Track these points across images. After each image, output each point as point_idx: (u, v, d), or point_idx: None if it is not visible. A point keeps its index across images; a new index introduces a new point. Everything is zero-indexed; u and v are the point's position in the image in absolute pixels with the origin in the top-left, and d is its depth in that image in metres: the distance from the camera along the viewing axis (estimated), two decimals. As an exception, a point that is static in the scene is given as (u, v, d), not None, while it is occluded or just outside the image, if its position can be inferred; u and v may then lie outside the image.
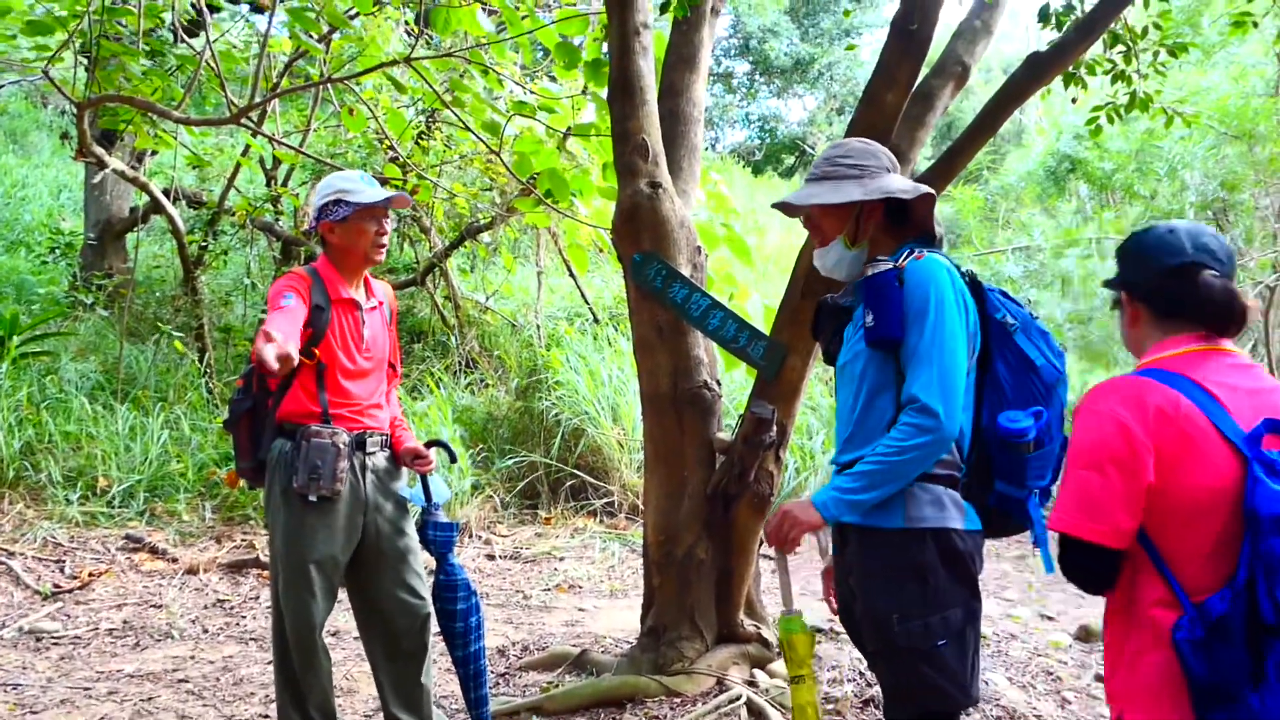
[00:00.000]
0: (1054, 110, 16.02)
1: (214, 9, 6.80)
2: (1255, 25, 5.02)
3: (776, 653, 4.14)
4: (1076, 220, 13.58)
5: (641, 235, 3.95)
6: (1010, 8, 4.46)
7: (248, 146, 8.52)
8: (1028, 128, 19.49)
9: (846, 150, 2.47)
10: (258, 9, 8.99)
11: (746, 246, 5.43)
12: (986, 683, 4.20)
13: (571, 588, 6.03)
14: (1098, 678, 4.49)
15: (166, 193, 8.52)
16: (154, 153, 9.43)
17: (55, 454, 6.72)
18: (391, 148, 7.38)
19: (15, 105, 17.28)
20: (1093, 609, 5.90)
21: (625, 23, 4.02)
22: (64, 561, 5.78)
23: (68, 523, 6.23)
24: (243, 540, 6.39)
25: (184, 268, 9.05)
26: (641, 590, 4.31)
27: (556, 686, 4.08)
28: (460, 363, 9.28)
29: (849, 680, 4.15)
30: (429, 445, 3.38)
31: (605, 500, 7.38)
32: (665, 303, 3.92)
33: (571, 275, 9.96)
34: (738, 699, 3.73)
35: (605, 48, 4.40)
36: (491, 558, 6.55)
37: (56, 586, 5.44)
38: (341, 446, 3.06)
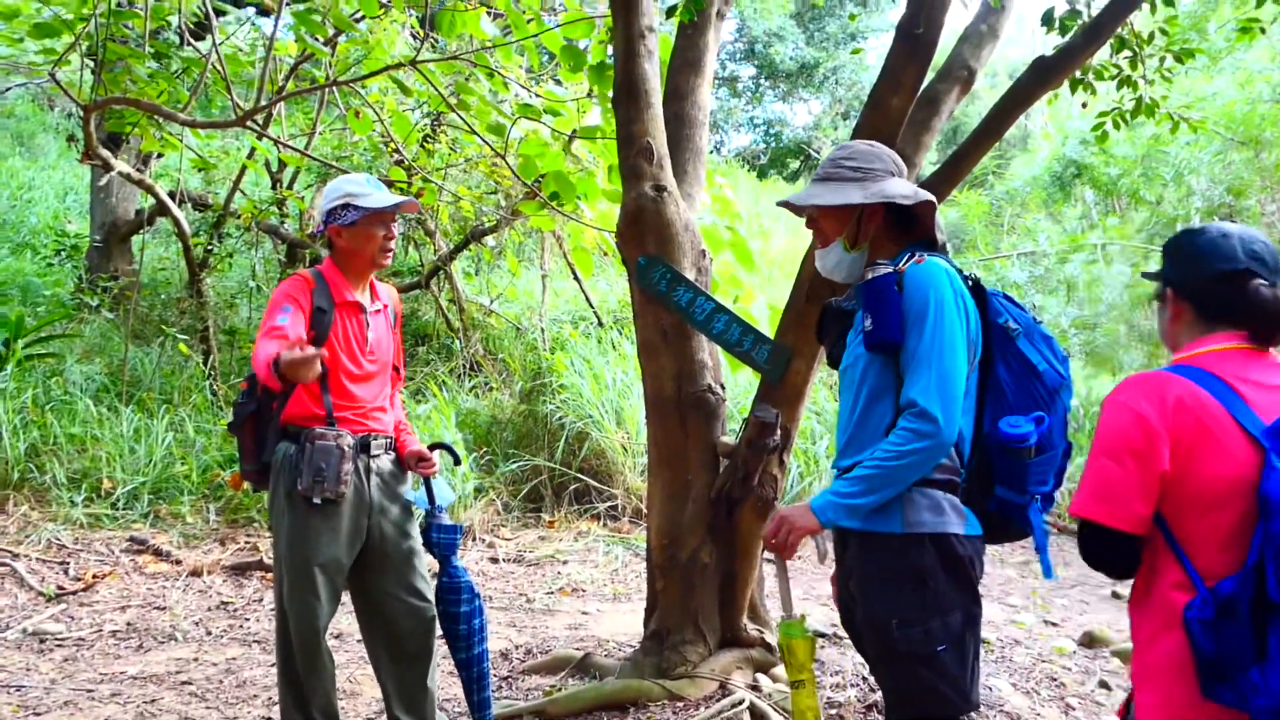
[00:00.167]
0: (1060, 115, 16.01)
1: (220, 12, 6.82)
2: (1263, 31, 5.01)
3: (780, 657, 4.12)
4: (1082, 226, 13.57)
5: (646, 239, 3.95)
6: (1016, 12, 4.45)
7: (253, 149, 8.54)
8: (1033, 133, 19.49)
9: (851, 152, 2.48)
10: (263, 12, 9.02)
11: (750, 251, 5.43)
12: (990, 689, 4.19)
13: (575, 591, 6.02)
14: (1102, 684, 4.48)
15: (172, 195, 8.54)
16: (160, 155, 9.45)
17: (60, 456, 6.73)
18: (397, 151, 7.39)
19: (22, 108, 17.36)
20: (1096, 615, 5.88)
21: (631, 26, 4.02)
22: (68, 563, 5.78)
23: (72, 524, 6.23)
24: (246, 543, 6.40)
25: (189, 270, 9.07)
26: (645, 594, 4.31)
27: (559, 690, 4.07)
28: (464, 366, 9.29)
29: (852, 685, 4.14)
30: (432, 448, 3.38)
31: (609, 504, 7.37)
32: (670, 306, 3.91)
33: (576, 279, 9.96)
34: (741, 703, 3.73)
35: (610, 51, 4.41)
36: (495, 561, 6.55)
37: (60, 588, 5.44)
38: (346, 449, 3.06)
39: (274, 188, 9.73)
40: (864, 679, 4.18)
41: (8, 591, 5.37)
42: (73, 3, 5.39)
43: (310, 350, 2.69)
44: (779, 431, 3.73)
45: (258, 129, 6.19)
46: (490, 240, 9.74)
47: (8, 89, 10.26)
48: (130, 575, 5.75)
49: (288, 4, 5.36)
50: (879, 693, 3.86)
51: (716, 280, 4.75)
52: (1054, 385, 2.28)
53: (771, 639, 4.16)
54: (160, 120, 6.39)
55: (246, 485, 3.35)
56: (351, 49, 6.82)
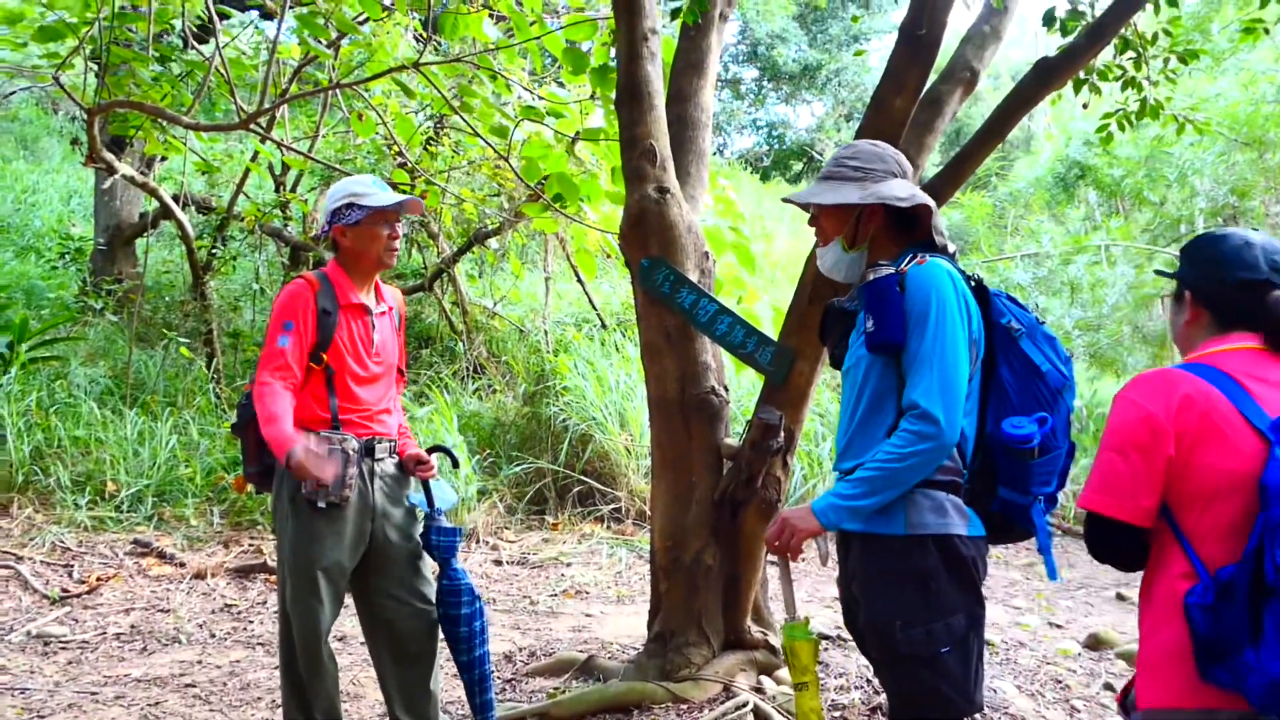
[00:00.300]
0: (1063, 117, 16.00)
1: (223, 15, 6.83)
2: (1266, 32, 5.00)
3: (784, 659, 4.12)
4: (1085, 227, 13.56)
5: (649, 240, 3.95)
6: (1019, 13, 4.45)
7: (257, 152, 8.55)
8: (1036, 134, 19.48)
9: (855, 152, 2.48)
10: (267, 15, 9.03)
11: (751, 254, 5.43)
12: (995, 691, 4.18)
13: (578, 593, 6.02)
14: (1107, 686, 4.46)
15: (176, 198, 8.55)
16: (163, 158, 9.46)
17: (64, 459, 6.74)
18: (400, 153, 7.40)
19: (26, 111, 17.39)
20: (1101, 617, 5.87)
21: (633, 29, 4.03)
22: (72, 566, 5.79)
23: (76, 527, 6.24)
24: (250, 545, 6.40)
25: (193, 273, 9.08)
26: (648, 596, 4.30)
27: (563, 692, 4.07)
28: (468, 368, 9.29)
29: (856, 688, 4.13)
30: (431, 451, 3.38)
31: (612, 506, 7.37)
32: (673, 308, 3.91)
33: (579, 281, 9.97)
34: (745, 706, 3.72)
35: (613, 53, 4.41)
36: (499, 563, 6.55)
37: (65, 591, 5.45)
38: (350, 453, 3.06)
39: (277, 191, 9.74)
40: (868, 681, 4.18)
41: (12, 594, 5.37)
42: (76, 6, 5.39)
43: (319, 458, 2.91)
44: (782, 433, 3.73)
45: (261, 132, 6.20)
46: (493, 243, 9.75)
47: (12, 93, 10.31)
48: (134, 578, 5.75)
49: (291, 7, 5.36)
50: (883, 695, 3.86)
51: (720, 280, 4.74)
52: (1057, 386, 2.27)
53: (775, 641, 4.16)
54: (164, 123, 6.40)
55: (250, 487, 3.36)
56: (355, 52, 6.83)
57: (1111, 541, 1.95)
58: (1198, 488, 1.84)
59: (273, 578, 5.84)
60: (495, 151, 6.27)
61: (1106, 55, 4.71)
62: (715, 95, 4.79)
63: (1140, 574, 2.00)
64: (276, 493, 3.13)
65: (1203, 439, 1.82)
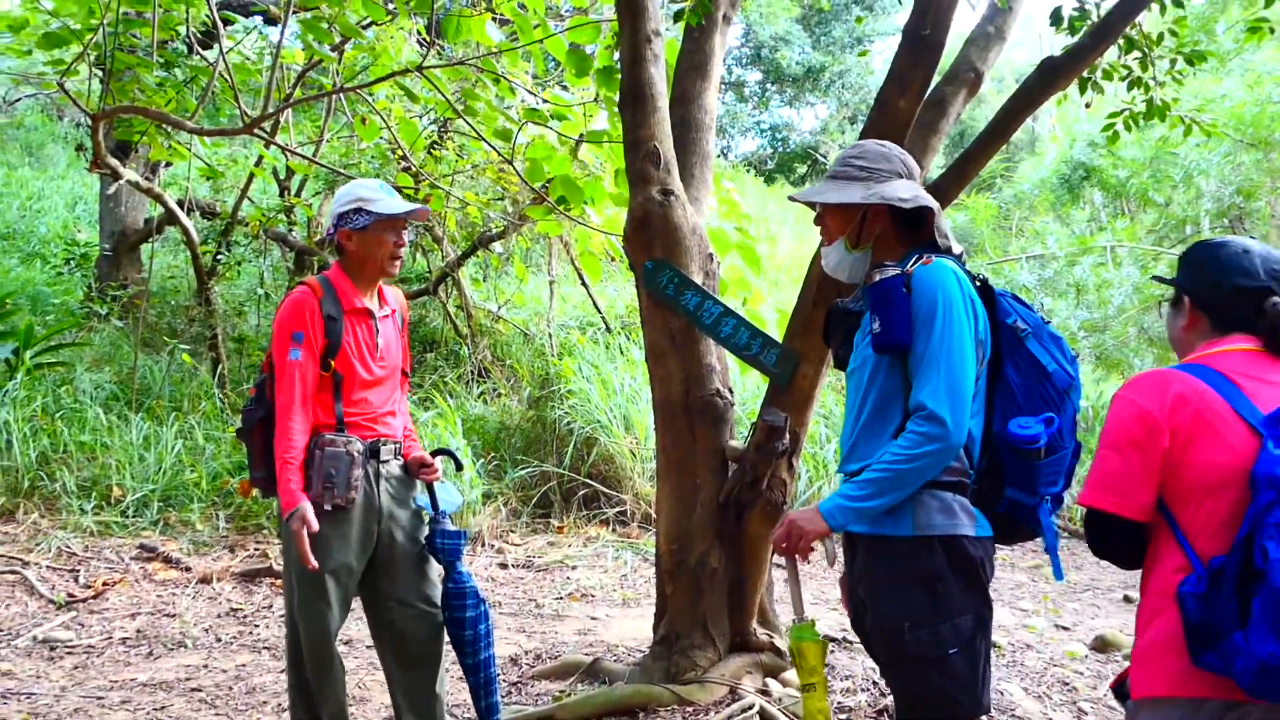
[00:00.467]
0: (1068, 118, 15.98)
1: (227, 21, 6.84)
2: (1272, 31, 4.98)
3: (789, 661, 4.11)
4: (1091, 228, 13.53)
5: (653, 243, 3.94)
6: (1023, 14, 4.44)
7: (261, 157, 8.56)
8: (1041, 136, 19.46)
9: (861, 152, 2.47)
10: (271, 21, 9.05)
11: (757, 254, 5.42)
12: (1001, 693, 4.17)
13: (584, 596, 6.01)
14: (1114, 688, 4.45)
15: (181, 204, 8.56)
16: (168, 164, 9.48)
17: (70, 464, 6.75)
18: (404, 157, 7.40)
19: (31, 118, 17.44)
20: (1108, 619, 5.85)
21: (637, 31, 4.03)
22: (78, 571, 5.79)
23: (82, 532, 6.25)
24: (256, 549, 6.40)
25: (198, 278, 9.09)
26: (654, 599, 4.30)
27: (569, 695, 4.06)
28: (473, 372, 9.29)
29: (862, 690, 4.12)
30: (435, 454, 3.37)
31: (618, 509, 7.37)
32: (677, 310, 3.91)
33: (584, 284, 9.96)
34: (751, 708, 3.71)
35: (617, 55, 4.41)
36: (504, 566, 6.55)
37: (70, 596, 5.45)
38: (356, 455, 3.05)
39: (282, 195, 9.75)
40: (874, 683, 4.16)
41: (18, 599, 5.38)
42: (81, 13, 5.41)
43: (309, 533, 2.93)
44: (787, 435, 3.72)
45: (265, 136, 6.21)
46: (498, 246, 9.75)
47: (17, 100, 10.33)
48: (140, 582, 5.76)
49: (294, 13, 5.37)
50: (889, 697, 3.85)
51: (725, 282, 4.74)
52: (1063, 386, 2.27)
53: (781, 643, 4.15)
54: (168, 129, 6.41)
55: (255, 492, 3.35)
56: (358, 56, 6.84)
57: (1110, 538, 1.99)
58: (1193, 483, 1.88)
59: (278, 582, 5.84)
60: (499, 154, 6.27)
61: (1112, 56, 4.70)
62: (719, 98, 4.78)
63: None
64: None
65: (1197, 435, 1.87)
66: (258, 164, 8.89)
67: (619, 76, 4.18)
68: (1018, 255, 13.34)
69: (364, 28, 5.94)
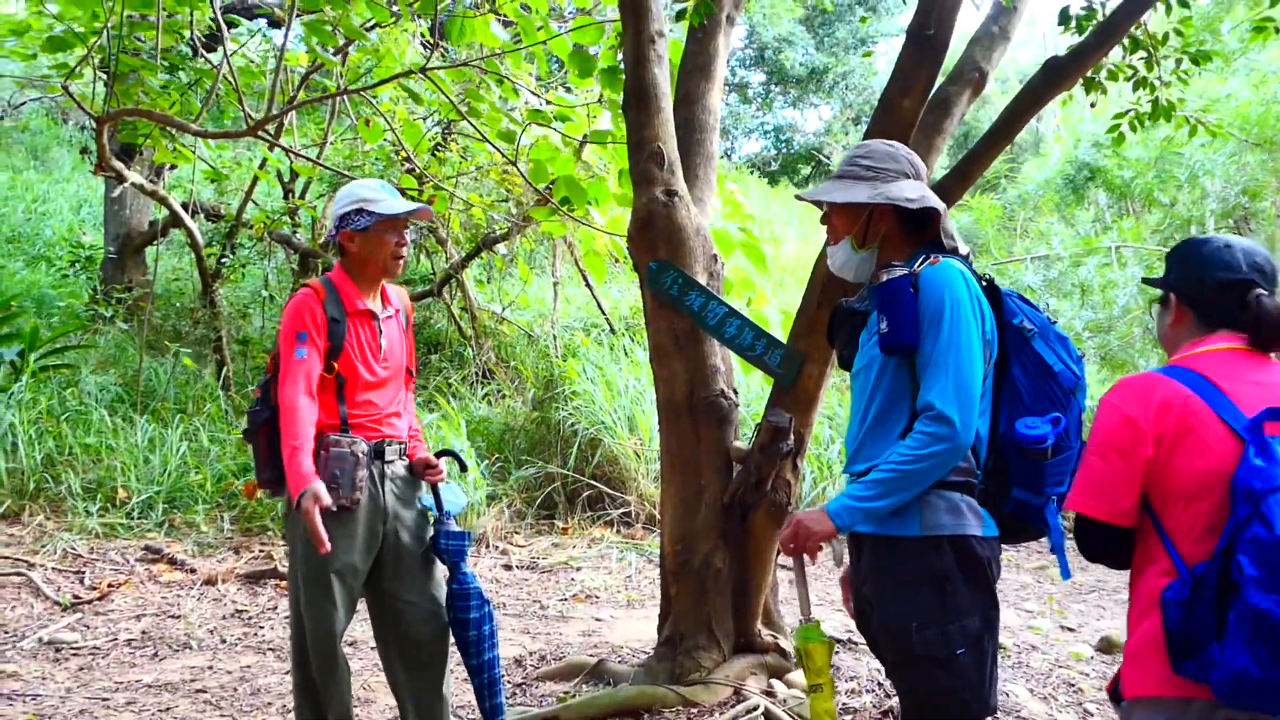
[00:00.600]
0: (1072, 118, 15.95)
1: (232, 24, 6.86)
2: (1277, 31, 4.97)
3: (794, 662, 4.10)
4: (1095, 228, 13.50)
5: (657, 243, 3.94)
6: (1028, 14, 4.43)
7: (265, 159, 8.58)
8: (1045, 136, 19.43)
9: (868, 151, 2.47)
10: (275, 24, 9.07)
11: (762, 253, 5.41)
12: (1007, 694, 4.16)
13: (588, 598, 6.01)
14: (1120, 689, 4.43)
15: (185, 206, 8.58)
16: (173, 167, 9.50)
17: (75, 466, 6.77)
18: (408, 159, 7.41)
19: (36, 122, 17.48)
20: (1114, 620, 5.84)
21: (640, 31, 4.02)
22: (83, 572, 5.80)
23: (87, 534, 6.26)
24: (261, 551, 6.41)
25: (203, 280, 9.11)
26: (658, 600, 4.29)
27: (573, 696, 4.06)
28: (477, 374, 9.29)
29: (867, 691, 4.11)
30: (440, 455, 3.37)
31: (622, 510, 7.36)
32: (681, 311, 3.90)
33: (588, 285, 9.97)
34: (755, 709, 3.71)
35: (620, 56, 4.41)
36: (509, 568, 6.55)
37: (76, 597, 5.46)
38: (360, 455, 3.05)
39: (286, 197, 9.77)
40: (879, 684, 4.16)
41: (24, 601, 5.39)
42: (85, 17, 5.42)
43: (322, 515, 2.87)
44: (792, 436, 3.71)
45: (269, 139, 6.21)
46: (502, 248, 9.75)
47: (22, 103, 10.35)
48: (145, 584, 5.77)
49: (298, 15, 5.37)
50: (895, 698, 3.84)
51: (729, 283, 4.73)
52: (1070, 386, 2.28)
53: (785, 644, 4.14)
54: (173, 131, 6.42)
55: (260, 494, 3.35)
56: (362, 58, 6.84)
57: (1097, 542, 2.03)
58: (1178, 488, 1.90)
59: (283, 584, 5.85)
60: (503, 155, 6.28)
61: (1117, 56, 4.69)
62: (723, 99, 4.78)
63: None
64: (288, 497, 3.13)
65: (1181, 441, 1.89)
66: (262, 166, 8.91)
67: (623, 77, 4.18)
68: (1022, 256, 13.32)
69: (368, 30, 5.95)
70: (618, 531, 7.24)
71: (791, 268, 13.29)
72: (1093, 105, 5.07)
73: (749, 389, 7.71)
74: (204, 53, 6.55)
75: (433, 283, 9.85)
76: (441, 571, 3.32)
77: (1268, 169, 11.66)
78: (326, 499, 2.88)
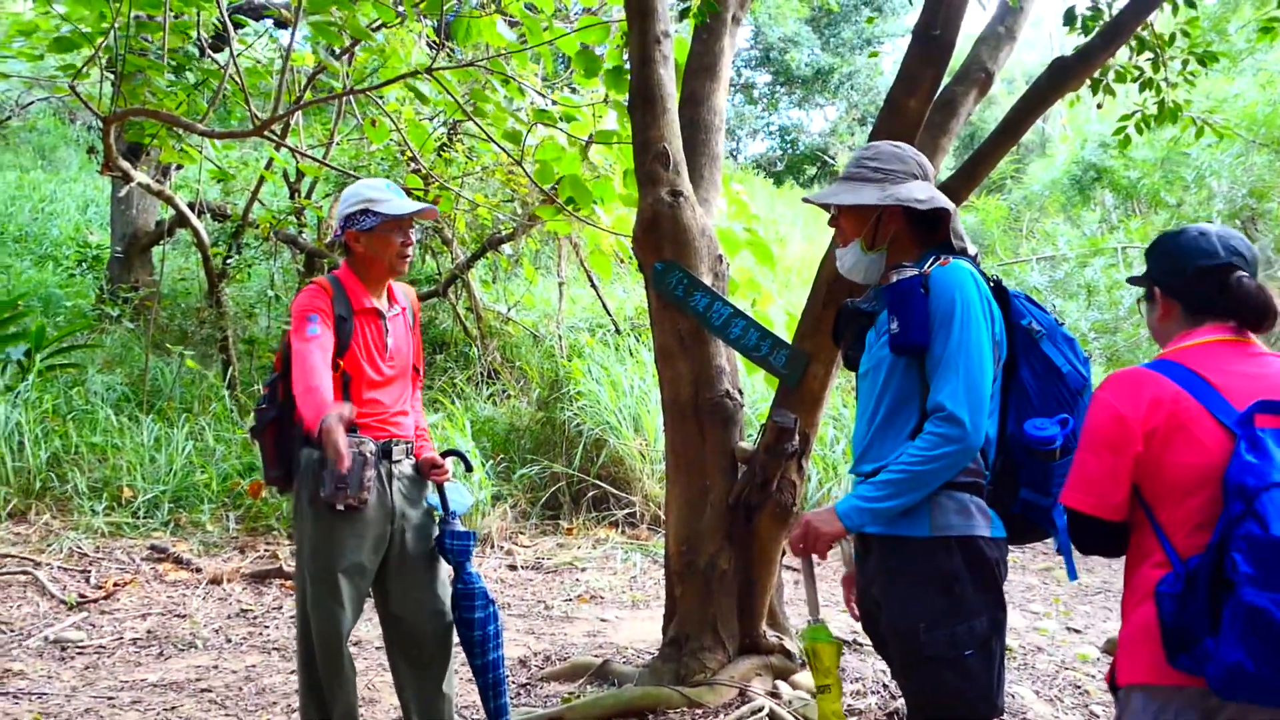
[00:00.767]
0: (1078, 119, 15.92)
1: (238, 25, 6.86)
2: (1284, 31, 4.96)
3: (799, 663, 4.10)
4: (1102, 229, 13.48)
5: (663, 244, 3.94)
6: (1034, 14, 4.42)
7: (271, 160, 8.59)
8: (1051, 137, 19.40)
9: (875, 153, 2.46)
10: (281, 24, 9.07)
11: (769, 250, 5.39)
12: (1013, 696, 4.15)
13: (593, 598, 6.01)
14: (1127, 691, 4.42)
15: (191, 206, 8.60)
16: (179, 167, 9.51)
17: (81, 465, 6.78)
18: (414, 159, 7.41)
19: (44, 122, 17.53)
20: (1119, 622, 5.82)
21: (646, 31, 4.02)
22: (89, 571, 5.81)
23: (93, 533, 6.27)
24: (266, 550, 6.41)
25: (209, 280, 9.12)
26: (663, 601, 4.29)
27: (578, 697, 4.06)
28: (482, 374, 9.30)
29: (873, 692, 4.11)
30: (445, 455, 3.37)
31: (627, 511, 7.36)
32: (687, 311, 3.90)
33: (593, 286, 9.97)
34: (760, 710, 3.70)
35: (626, 56, 4.41)
36: (513, 568, 6.55)
37: (82, 596, 5.47)
38: (369, 455, 3.05)
39: (292, 198, 9.79)
40: (884, 686, 4.15)
41: (30, 600, 5.40)
42: (92, 17, 5.43)
43: (342, 425, 2.74)
44: (797, 437, 3.71)
45: (275, 139, 6.22)
46: (507, 248, 9.76)
47: (30, 103, 10.39)
48: (151, 583, 5.77)
49: (305, 18, 5.38)
50: (900, 699, 3.84)
51: (735, 283, 4.73)
52: (1077, 387, 2.29)
53: (791, 646, 4.14)
54: (179, 131, 6.43)
55: (264, 493, 3.36)
56: (369, 59, 6.84)
57: (1090, 536, 2.05)
58: (1171, 483, 1.93)
59: (288, 583, 5.85)
60: (509, 156, 6.28)
61: (1123, 57, 4.67)
62: (728, 99, 4.77)
63: None
64: (296, 496, 3.14)
65: (1172, 437, 1.91)
66: (268, 166, 8.92)
67: (628, 77, 4.18)
68: (1028, 257, 13.30)
69: (374, 30, 5.95)
70: (623, 532, 7.24)
71: (797, 268, 13.28)
72: (1099, 106, 5.05)
73: (754, 389, 7.71)
74: (211, 53, 6.57)
75: (438, 283, 9.86)
76: (446, 571, 3.33)
77: (1275, 170, 11.63)
78: (348, 412, 2.81)
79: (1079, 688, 4.46)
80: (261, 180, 9.25)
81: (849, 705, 3.94)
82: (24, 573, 5.64)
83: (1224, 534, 1.80)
